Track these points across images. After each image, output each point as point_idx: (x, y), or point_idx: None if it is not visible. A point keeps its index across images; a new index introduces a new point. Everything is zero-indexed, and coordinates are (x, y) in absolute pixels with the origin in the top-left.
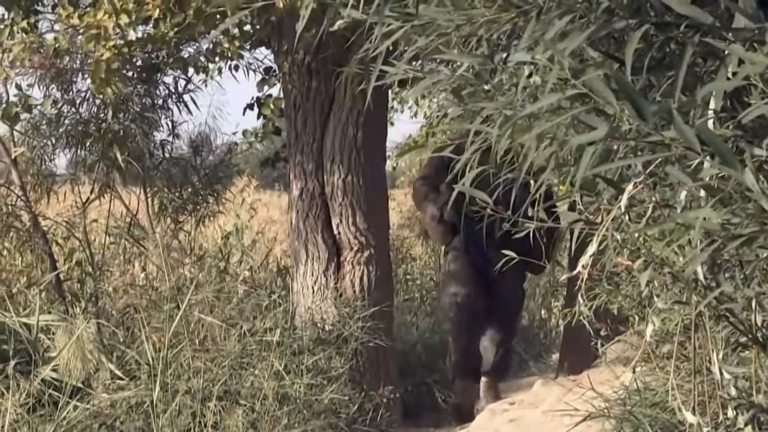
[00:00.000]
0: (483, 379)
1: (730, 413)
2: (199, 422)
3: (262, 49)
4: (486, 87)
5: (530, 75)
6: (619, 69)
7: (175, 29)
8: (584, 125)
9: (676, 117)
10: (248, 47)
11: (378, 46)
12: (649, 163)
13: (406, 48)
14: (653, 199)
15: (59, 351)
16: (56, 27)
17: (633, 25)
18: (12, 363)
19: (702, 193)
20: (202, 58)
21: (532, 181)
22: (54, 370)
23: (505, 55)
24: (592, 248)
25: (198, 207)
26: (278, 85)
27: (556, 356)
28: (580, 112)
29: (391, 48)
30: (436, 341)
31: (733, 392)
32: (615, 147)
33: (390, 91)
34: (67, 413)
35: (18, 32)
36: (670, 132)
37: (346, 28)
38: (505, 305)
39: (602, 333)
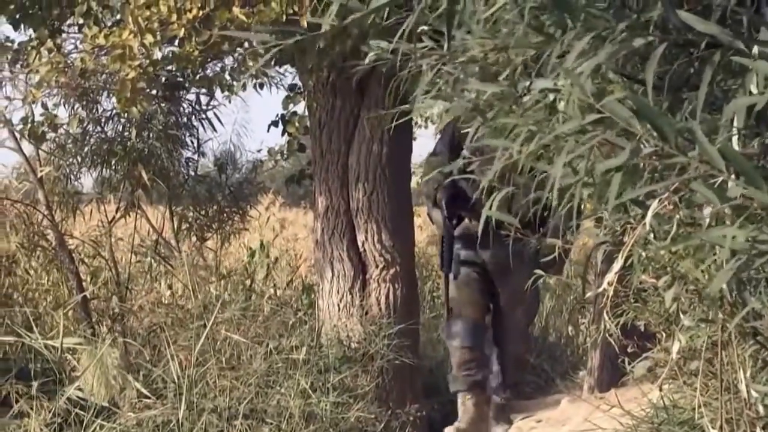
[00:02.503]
0: (494, 399)
1: None
2: None
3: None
4: (511, 109)
5: (554, 101)
6: (643, 92)
7: (200, 48)
8: (610, 144)
9: (699, 136)
10: (273, 64)
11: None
12: (673, 184)
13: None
14: (678, 216)
15: (81, 373)
16: (81, 47)
17: (654, 43)
18: (36, 383)
19: (727, 210)
20: (227, 76)
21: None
22: (79, 389)
23: (528, 82)
24: (617, 265)
25: (223, 225)
26: (303, 103)
27: (583, 373)
28: (604, 134)
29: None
30: None
31: (762, 410)
32: (641, 165)
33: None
34: None
35: (44, 53)
36: (694, 152)
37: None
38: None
39: (629, 350)
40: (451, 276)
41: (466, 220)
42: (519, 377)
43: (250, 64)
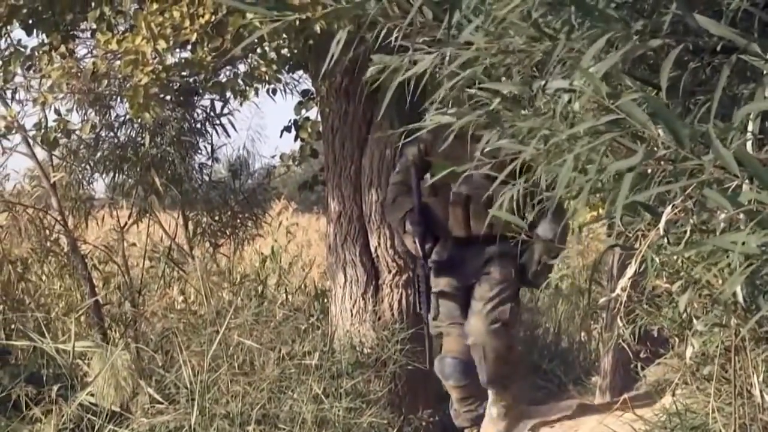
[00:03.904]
0: (489, 393)
1: None
2: None
3: (300, 71)
4: (524, 112)
5: (569, 101)
6: (655, 94)
7: (213, 54)
8: (622, 147)
9: (714, 140)
10: (286, 70)
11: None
12: (687, 187)
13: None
14: (691, 221)
15: (93, 378)
16: (94, 52)
17: (669, 45)
18: (48, 388)
19: (741, 215)
20: (240, 82)
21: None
22: (91, 394)
23: (543, 82)
24: (630, 270)
25: (237, 231)
26: (315, 108)
27: (595, 379)
28: (617, 136)
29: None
30: None
31: None
32: (650, 170)
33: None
34: None
35: (57, 57)
36: (708, 156)
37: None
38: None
39: (642, 355)
40: (430, 316)
41: (441, 242)
42: (502, 372)
43: (263, 69)
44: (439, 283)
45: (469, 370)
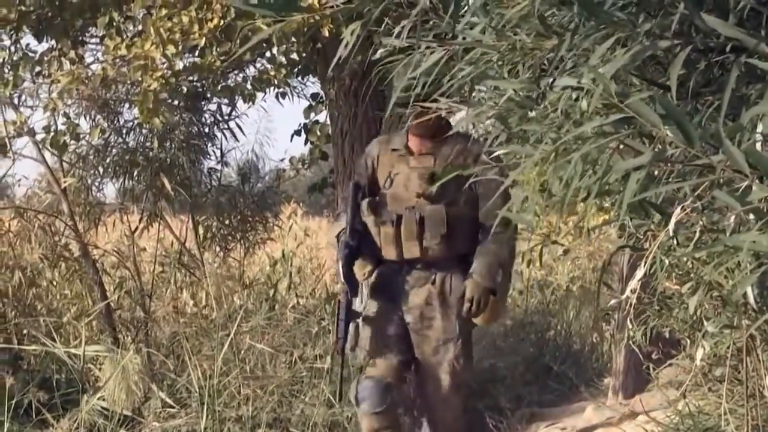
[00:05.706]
0: None
1: None
2: None
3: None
4: (531, 114)
5: (577, 99)
6: (663, 94)
7: (222, 58)
8: (630, 149)
9: (724, 140)
10: (294, 74)
11: (419, 75)
12: (697, 187)
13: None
14: (701, 222)
15: (105, 382)
16: (103, 57)
17: (677, 46)
18: (60, 393)
19: (751, 216)
20: (249, 86)
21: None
22: (103, 399)
23: (551, 80)
24: (640, 272)
25: (247, 234)
26: (325, 111)
27: (607, 380)
28: (625, 136)
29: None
30: (486, 366)
31: None
32: (656, 172)
33: None
34: None
35: (66, 63)
36: (718, 156)
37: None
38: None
39: (654, 356)
40: (347, 347)
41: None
42: None
43: (272, 74)
44: (368, 307)
45: (389, 394)
